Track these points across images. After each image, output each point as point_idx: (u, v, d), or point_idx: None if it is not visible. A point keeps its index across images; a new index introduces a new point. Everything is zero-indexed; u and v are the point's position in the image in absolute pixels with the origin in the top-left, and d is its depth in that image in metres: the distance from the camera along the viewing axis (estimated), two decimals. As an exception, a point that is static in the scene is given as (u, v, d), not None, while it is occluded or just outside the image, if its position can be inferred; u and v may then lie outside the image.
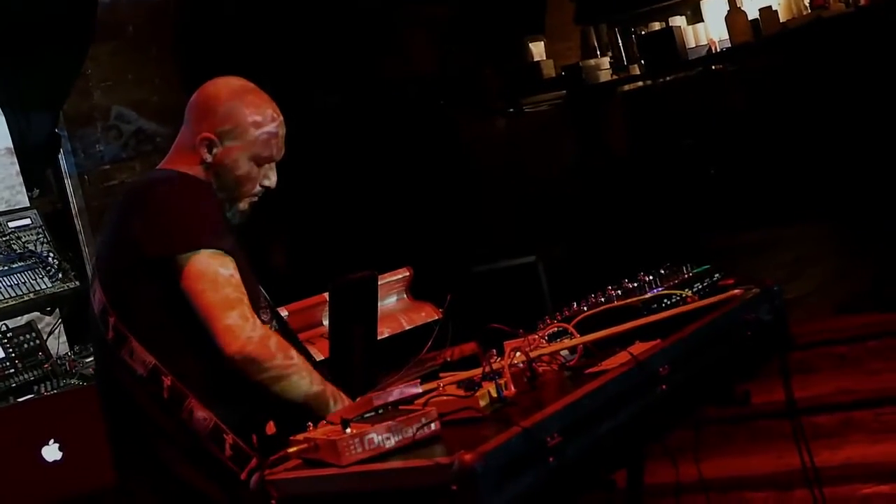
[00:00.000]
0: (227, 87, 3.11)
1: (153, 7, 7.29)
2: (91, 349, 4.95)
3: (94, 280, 3.08)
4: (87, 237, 6.99)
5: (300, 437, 2.53)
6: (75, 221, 6.98)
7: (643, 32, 8.93)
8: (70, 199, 6.96)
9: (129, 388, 2.93)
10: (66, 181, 6.95)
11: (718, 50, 8.32)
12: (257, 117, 3.08)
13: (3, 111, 5.70)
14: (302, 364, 2.90)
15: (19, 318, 4.97)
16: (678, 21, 8.77)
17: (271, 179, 3.14)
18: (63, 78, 6.50)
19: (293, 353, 2.89)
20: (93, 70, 6.94)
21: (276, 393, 2.86)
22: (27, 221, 5.20)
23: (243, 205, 3.13)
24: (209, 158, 3.06)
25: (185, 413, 2.88)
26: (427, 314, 5.31)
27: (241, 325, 2.81)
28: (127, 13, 7.14)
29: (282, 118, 3.14)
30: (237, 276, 2.89)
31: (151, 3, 7.29)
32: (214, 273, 2.85)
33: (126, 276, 2.97)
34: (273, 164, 3.15)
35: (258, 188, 3.13)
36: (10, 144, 5.85)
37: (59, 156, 6.81)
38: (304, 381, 2.88)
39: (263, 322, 2.96)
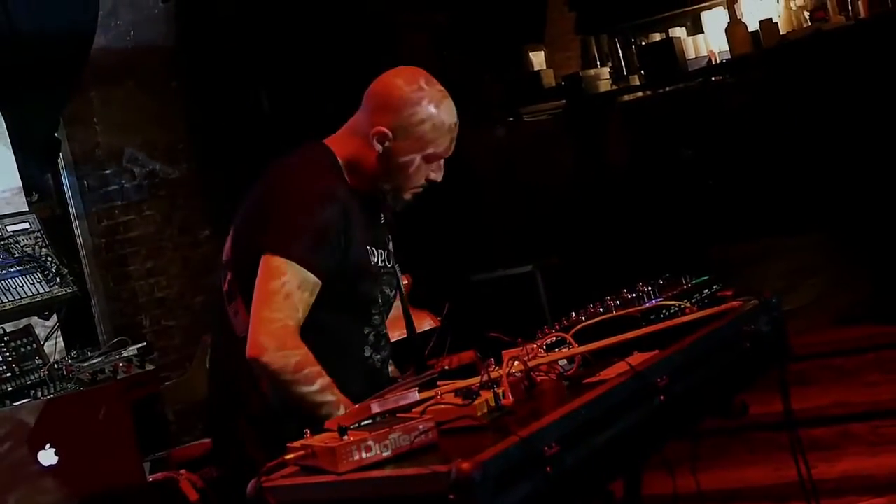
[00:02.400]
0: (409, 81, 3.19)
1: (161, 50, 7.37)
2: (88, 353, 4.98)
3: (231, 228, 3.26)
4: (85, 241, 7.00)
5: (297, 443, 2.53)
6: (74, 226, 6.99)
7: (643, 43, 8.94)
8: (69, 204, 6.97)
9: (228, 340, 3.12)
10: (64, 186, 6.96)
11: (718, 61, 8.32)
12: (434, 117, 3.16)
13: (2, 115, 5.69)
14: (313, 377, 2.97)
15: (17, 322, 4.97)
16: (678, 32, 8.78)
17: (438, 174, 3.24)
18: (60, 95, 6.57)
19: (309, 368, 2.97)
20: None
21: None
22: (26, 225, 5.20)
23: (407, 195, 3.25)
24: (381, 150, 3.15)
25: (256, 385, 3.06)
26: (425, 322, 5.30)
27: (262, 330, 2.95)
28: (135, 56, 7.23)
29: (456, 117, 3.22)
30: (299, 293, 2.99)
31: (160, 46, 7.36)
32: (274, 277, 2.98)
33: (246, 242, 3.14)
34: (442, 161, 3.23)
35: (424, 182, 3.23)
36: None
37: (59, 160, 6.83)
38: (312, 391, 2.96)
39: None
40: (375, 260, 3.25)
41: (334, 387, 2.99)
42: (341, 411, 2.89)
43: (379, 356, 3.30)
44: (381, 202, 3.27)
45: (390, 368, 3.46)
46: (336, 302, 3.12)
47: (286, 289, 2.97)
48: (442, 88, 3.22)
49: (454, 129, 3.21)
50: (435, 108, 3.16)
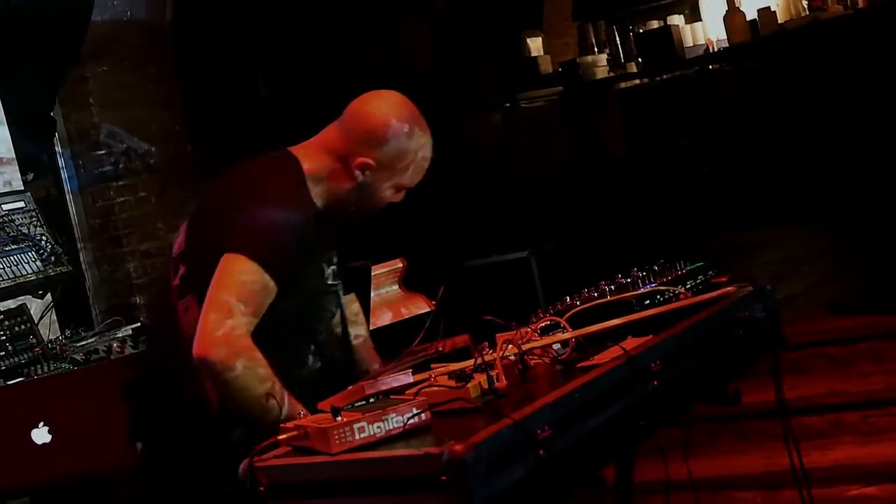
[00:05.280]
0: (398, 117, 3.19)
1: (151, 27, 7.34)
2: (82, 332, 4.98)
3: (185, 221, 3.24)
4: (80, 222, 6.99)
5: (290, 424, 2.53)
6: (69, 206, 6.98)
7: (641, 30, 8.93)
8: (64, 184, 6.96)
9: (173, 336, 3.08)
10: (60, 166, 6.95)
11: (716, 49, 8.32)
12: (416, 154, 3.20)
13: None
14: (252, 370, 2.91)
15: (11, 301, 4.97)
16: (676, 20, 8.77)
17: (399, 197, 3.28)
18: (56, 73, 6.55)
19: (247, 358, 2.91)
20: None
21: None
22: (21, 204, 5.19)
23: (365, 215, 3.28)
24: (360, 179, 3.17)
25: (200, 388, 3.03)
26: (420, 306, 5.32)
27: (213, 328, 2.89)
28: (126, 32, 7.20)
29: (431, 145, 3.25)
30: (257, 295, 2.95)
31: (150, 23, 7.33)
32: (233, 272, 2.95)
33: (207, 240, 3.09)
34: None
35: (384, 204, 3.26)
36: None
37: (54, 140, 6.82)
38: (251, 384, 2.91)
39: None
40: (328, 276, 3.26)
41: (286, 393, 2.93)
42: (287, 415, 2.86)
43: (318, 367, 3.29)
44: (330, 218, 3.23)
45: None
46: (286, 314, 3.08)
47: (247, 289, 2.94)
48: (425, 124, 3.24)
49: (428, 163, 3.24)
50: (418, 146, 3.19)
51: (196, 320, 2.95)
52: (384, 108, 3.20)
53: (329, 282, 3.28)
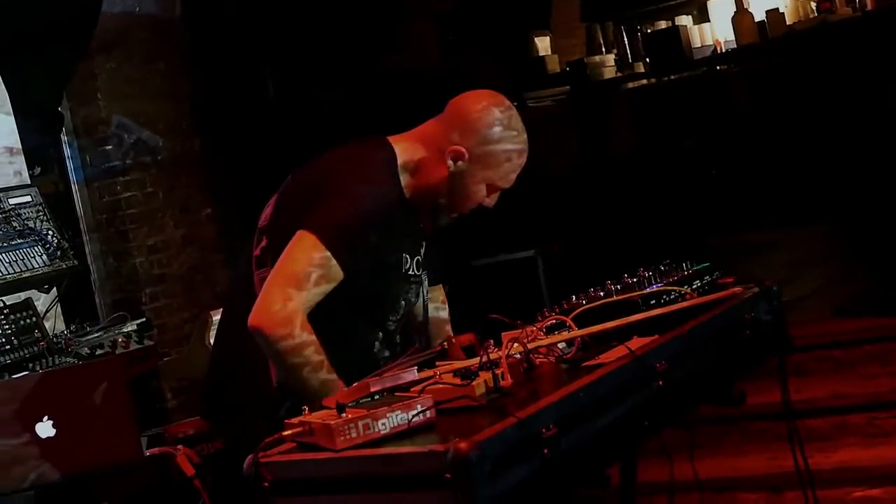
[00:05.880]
0: (497, 110, 3.20)
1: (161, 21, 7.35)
2: (87, 327, 4.98)
3: (273, 196, 3.26)
4: (86, 216, 7.00)
5: (295, 420, 2.53)
6: (75, 201, 6.99)
7: (649, 31, 8.92)
8: (71, 179, 6.97)
9: (248, 304, 3.05)
10: (66, 161, 6.96)
11: (724, 50, 8.31)
12: (512, 153, 3.19)
13: (6, 88, 5.68)
14: (314, 363, 2.96)
15: (16, 294, 4.97)
16: (684, 20, 8.76)
17: (492, 201, 3.28)
18: (64, 68, 6.54)
19: (297, 336, 2.95)
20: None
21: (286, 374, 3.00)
22: (27, 198, 5.19)
23: (455, 214, 3.27)
24: (452, 168, 3.16)
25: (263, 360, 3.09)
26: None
27: (271, 301, 2.96)
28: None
29: (527, 155, 3.24)
30: (322, 279, 2.99)
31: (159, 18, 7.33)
32: (303, 256, 2.99)
33: (291, 216, 3.11)
34: (499, 191, 3.27)
35: (475, 206, 3.25)
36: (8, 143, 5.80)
37: (62, 135, 6.82)
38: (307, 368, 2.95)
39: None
40: (407, 267, 3.27)
41: (336, 377, 2.98)
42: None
43: (385, 355, 3.31)
44: (422, 212, 3.27)
45: None
46: (357, 301, 3.15)
47: (313, 271, 2.98)
48: (523, 127, 3.24)
49: (523, 165, 3.24)
50: (516, 145, 3.20)
51: None
52: (483, 100, 3.22)
53: (410, 272, 3.29)
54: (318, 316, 3.00)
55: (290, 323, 2.93)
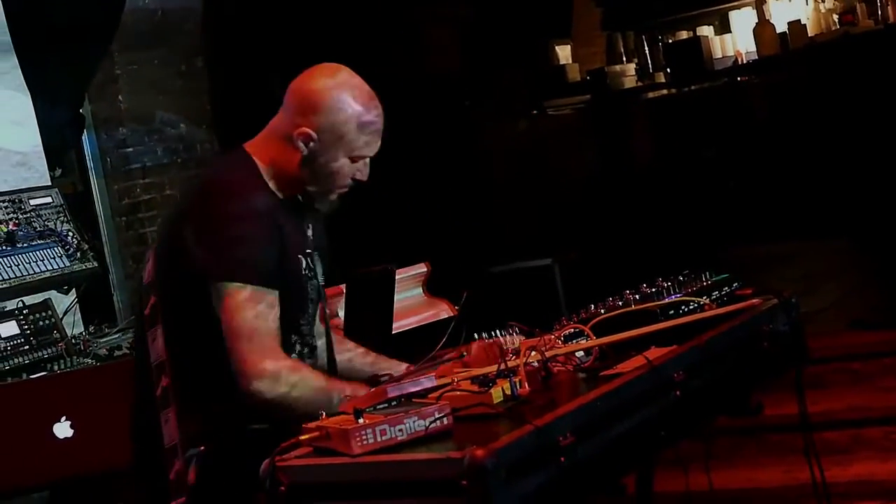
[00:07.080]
0: (331, 80, 3.12)
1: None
2: (105, 329, 4.99)
3: (151, 249, 3.20)
4: (106, 218, 7.02)
5: (312, 425, 2.53)
6: (95, 203, 7.01)
7: (670, 41, 8.92)
8: (91, 180, 6.98)
9: (143, 366, 3.07)
10: (87, 162, 6.98)
11: (745, 61, 8.30)
12: (359, 116, 3.08)
13: (28, 89, 5.71)
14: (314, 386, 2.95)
15: (36, 295, 4.99)
16: (705, 31, 8.75)
17: (363, 173, 3.17)
18: (86, 70, 6.57)
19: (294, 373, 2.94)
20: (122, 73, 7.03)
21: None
22: (48, 200, 5.21)
23: (333, 196, 3.17)
24: (305, 152, 3.08)
25: (164, 418, 3.06)
26: (443, 310, 5.32)
27: (251, 360, 2.89)
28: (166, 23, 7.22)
29: (381, 113, 3.14)
30: (269, 312, 2.95)
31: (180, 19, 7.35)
32: (244, 307, 2.92)
33: (174, 266, 3.06)
34: (367, 159, 3.16)
35: (350, 181, 3.15)
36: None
37: (83, 136, 6.84)
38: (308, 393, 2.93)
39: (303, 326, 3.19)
40: (303, 267, 3.20)
41: (332, 379, 3.00)
42: (349, 393, 2.90)
43: (304, 353, 3.28)
44: (305, 206, 3.20)
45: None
46: None
47: (256, 310, 2.93)
48: (366, 86, 3.15)
49: (379, 127, 3.14)
50: (360, 107, 3.08)
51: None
52: (317, 74, 3.14)
53: (306, 272, 3.21)
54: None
55: (278, 374, 2.89)
